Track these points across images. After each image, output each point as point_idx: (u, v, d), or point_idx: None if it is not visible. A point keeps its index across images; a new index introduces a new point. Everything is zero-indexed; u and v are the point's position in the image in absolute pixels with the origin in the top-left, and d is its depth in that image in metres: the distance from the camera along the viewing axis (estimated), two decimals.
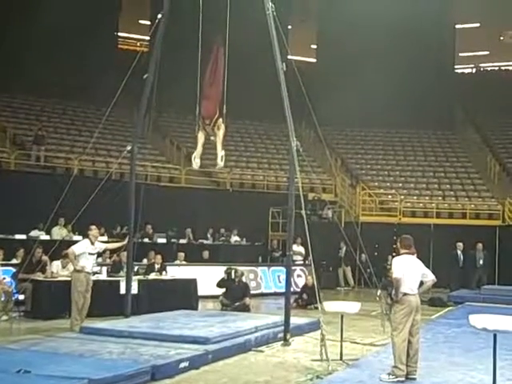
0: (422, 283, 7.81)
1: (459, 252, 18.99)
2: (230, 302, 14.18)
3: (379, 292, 12.11)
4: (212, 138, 10.68)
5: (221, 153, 10.55)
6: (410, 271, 7.64)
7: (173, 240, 18.52)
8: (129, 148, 12.19)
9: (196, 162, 10.65)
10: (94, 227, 11.47)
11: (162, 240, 18.18)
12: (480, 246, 19.10)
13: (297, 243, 17.56)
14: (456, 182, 26.82)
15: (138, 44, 30.75)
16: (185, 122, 24.43)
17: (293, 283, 15.83)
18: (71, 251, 11.14)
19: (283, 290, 12.02)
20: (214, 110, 10.58)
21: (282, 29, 10.73)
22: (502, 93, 28.77)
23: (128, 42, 32.10)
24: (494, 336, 6.74)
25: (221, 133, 10.58)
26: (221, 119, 10.61)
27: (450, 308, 15.66)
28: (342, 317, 9.18)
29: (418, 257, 7.88)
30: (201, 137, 10.69)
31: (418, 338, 7.73)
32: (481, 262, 18.94)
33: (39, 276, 12.66)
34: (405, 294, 7.55)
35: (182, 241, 18.85)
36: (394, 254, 8.02)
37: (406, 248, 7.86)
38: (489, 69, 34.18)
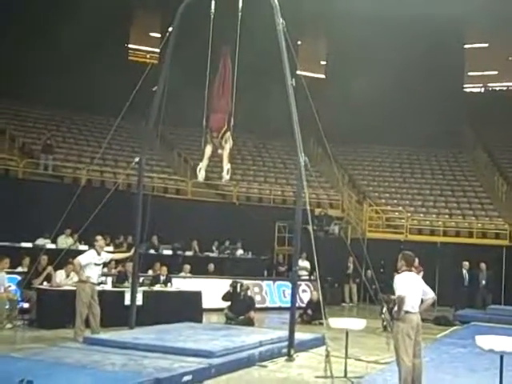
0: (421, 301, 7.75)
1: (464, 271, 18.89)
2: (234, 315, 14.14)
3: (384, 309, 12.09)
4: (220, 151, 10.73)
5: (227, 166, 10.59)
6: (412, 289, 7.59)
7: (178, 252, 18.50)
8: (137, 160, 12.22)
9: (201, 175, 10.71)
10: (99, 237, 11.51)
11: (168, 252, 18.16)
12: (483, 265, 18.96)
13: (302, 258, 17.51)
14: (463, 201, 26.74)
15: (148, 56, 30.93)
16: (193, 134, 24.48)
17: (298, 298, 15.76)
18: (77, 262, 11.15)
19: (288, 305, 11.95)
20: (222, 123, 10.62)
21: (291, 44, 10.77)
22: (510, 112, 28.70)
23: (138, 54, 32.27)
24: (501, 357, 6.67)
25: (228, 146, 10.62)
26: (229, 132, 10.65)
27: (456, 327, 15.54)
28: (347, 333, 9.11)
29: (424, 275, 7.81)
30: (208, 150, 10.74)
31: (421, 360, 7.63)
32: (483, 282, 18.82)
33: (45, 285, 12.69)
34: (406, 312, 7.49)
35: (188, 253, 18.82)
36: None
37: (408, 265, 7.81)
38: (497, 88, 34.18)
